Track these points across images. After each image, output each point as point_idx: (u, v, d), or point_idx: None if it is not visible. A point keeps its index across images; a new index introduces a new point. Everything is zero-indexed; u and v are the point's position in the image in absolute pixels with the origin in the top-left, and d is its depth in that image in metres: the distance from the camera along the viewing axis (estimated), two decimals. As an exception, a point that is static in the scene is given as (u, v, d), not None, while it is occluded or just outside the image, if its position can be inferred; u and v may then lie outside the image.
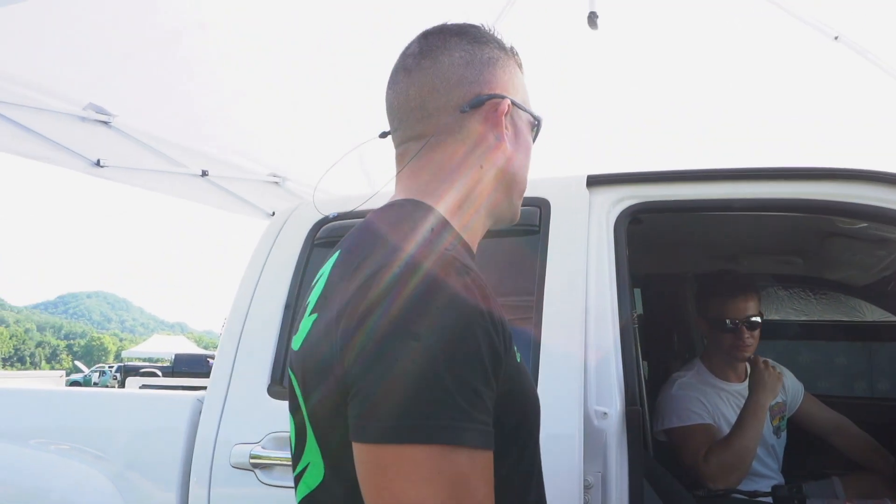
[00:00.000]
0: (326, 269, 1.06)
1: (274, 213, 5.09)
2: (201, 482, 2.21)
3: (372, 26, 3.55)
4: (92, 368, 42.00)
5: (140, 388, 4.39)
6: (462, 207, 1.10)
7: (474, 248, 1.13)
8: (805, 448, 2.94)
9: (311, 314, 1.01)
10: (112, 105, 3.75)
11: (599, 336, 2.03)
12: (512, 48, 1.17)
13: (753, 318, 2.68)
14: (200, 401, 2.41)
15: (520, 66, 1.18)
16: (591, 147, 4.34)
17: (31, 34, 3.12)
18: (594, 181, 2.25)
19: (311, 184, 4.78)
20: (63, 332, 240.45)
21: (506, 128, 1.11)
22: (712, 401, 2.69)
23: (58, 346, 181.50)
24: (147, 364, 38.54)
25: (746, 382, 2.70)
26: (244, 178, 4.80)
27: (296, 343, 1.04)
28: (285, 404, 1.12)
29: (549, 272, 2.14)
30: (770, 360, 2.67)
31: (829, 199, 1.99)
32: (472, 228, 1.12)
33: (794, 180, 2.08)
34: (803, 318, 3.73)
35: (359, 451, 0.86)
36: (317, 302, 1.01)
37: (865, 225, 2.40)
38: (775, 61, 4.01)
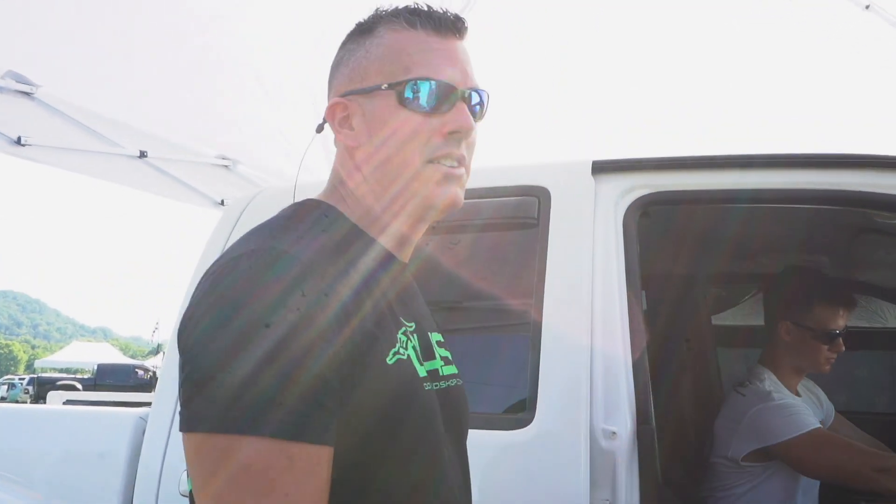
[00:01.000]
0: None
1: (224, 202, 5.07)
2: (146, 514, 2.19)
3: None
4: (-1, 380, 41.27)
5: (64, 403, 4.34)
6: (354, 207, 1.22)
7: (388, 239, 1.22)
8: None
9: None
10: (35, 74, 3.69)
11: (607, 345, 2.04)
12: (377, 12, 1.23)
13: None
14: (144, 419, 2.39)
15: (415, 23, 1.21)
16: (597, 131, 4.37)
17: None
18: (600, 168, 2.26)
19: (266, 168, 4.75)
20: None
21: (349, 128, 1.22)
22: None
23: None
24: (65, 375, 37.94)
25: (803, 398, 2.81)
26: (189, 160, 4.74)
27: None
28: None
29: (550, 271, 2.14)
30: None
31: (871, 189, 2.02)
32: (375, 225, 1.21)
33: (830, 168, 2.10)
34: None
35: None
36: None
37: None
38: (806, 33, 4.08)
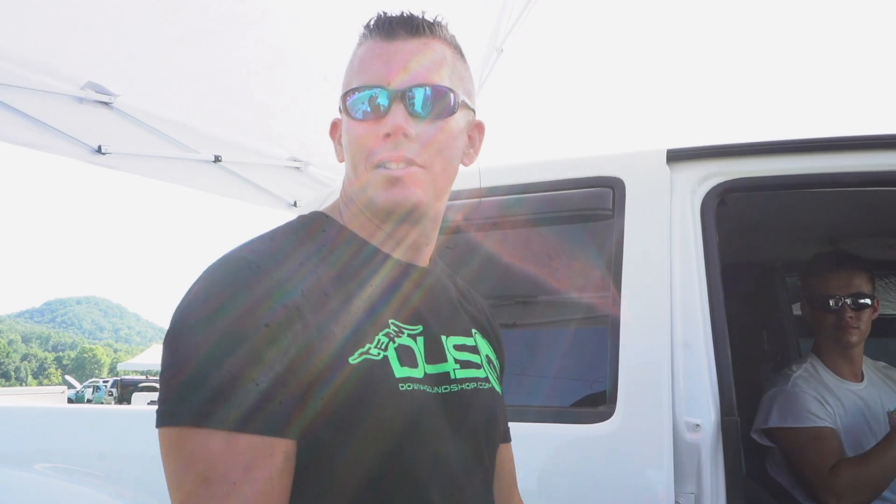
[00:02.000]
0: None
1: (296, 203, 5.14)
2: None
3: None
4: (85, 384, 42.66)
5: (149, 404, 4.45)
6: (355, 216, 1.27)
7: (393, 245, 1.27)
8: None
9: None
10: (114, 83, 3.75)
11: (688, 336, 2.01)
12: (367, 24, 1.26)
13: (859, 297, 2.71)
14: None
15: (370, 33, 1.25)
16: (671, 121, 4.31)
17: (17, 4, 3.13)
18: (676, 156, 2.23)
19: (335, 168, 4.78)
20: (51, 342, 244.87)
21: (339, 142, 1.30)
22: (831, 401, 2.68)
23: (45, 358, 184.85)
24: (146, 377, 39.04)
25: (865, 384, 2.74)
26: (262, 163, 4.80)
27: None
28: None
29: (627, 263, 2.12)
30: None
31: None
32: (377, 233, 1.26)
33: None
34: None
35: None
36: None
37: None
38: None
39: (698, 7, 4.02)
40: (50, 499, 2.68)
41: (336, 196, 1.33)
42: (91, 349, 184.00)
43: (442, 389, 1.22)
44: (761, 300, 3.60)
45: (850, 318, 2.69)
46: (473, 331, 1.39)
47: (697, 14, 4.05)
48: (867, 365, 2.84)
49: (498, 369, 1.48)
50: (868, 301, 2.71)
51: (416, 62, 1.21)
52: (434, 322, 1.27)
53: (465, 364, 1.30)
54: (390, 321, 1.19)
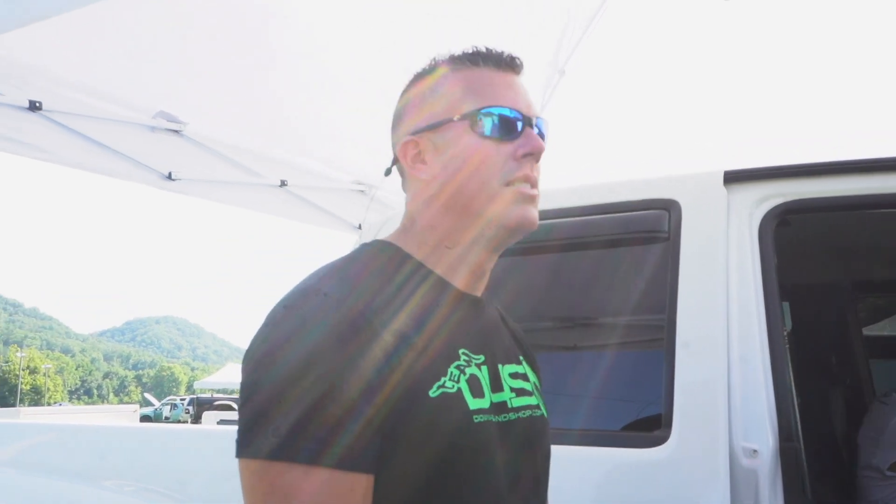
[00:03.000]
0: None
1: (361, 226, 5.20)
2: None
3: (475, 18, 3.58)
4: (163, 401, 43.69)
5: (218, 423, 4.54)
6: (421, 245, 1.26)
7: (460, 275, 1.27)
8: None
9: None
10: (183, 112, 3.88)
11: (745, 359, 1.97)
12: (435, 61, 1.30)
13: None
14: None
15: (478, 61, 1.27)
16: (728, 142, 4.25)
17: (93, 39, 3.24)
18: (733, 177, 2.20)
19: (398, 191, 4.82)
20: (131, 361, 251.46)
21: (423, 162, 1.26)
22: None
23: (126, 376, 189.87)
24: (221, 396, 39.75)
25: None
26: (327, 187, 4.87)
27: None
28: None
29: (683, 285, 2.10)
30: None
31: None
32: (444, 261, 1.26)
33: None
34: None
35: None
36: None
37: None
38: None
39: (757, 27, 3.96)
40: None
41: (397, 220, 1.35)
42: (169, 367, 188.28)
43: (502, 418, 1.22)
44: (830, 322, 3.51)
45: None
46: (521, 357, 1.40)
47: (756, 33, 4.00)
48: None
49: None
50: None
51: (528, 94, 1.27)
52: (492, 351, 1.28)
53: (519, 392, 1.30)
54: (460, 351, 1.20)
